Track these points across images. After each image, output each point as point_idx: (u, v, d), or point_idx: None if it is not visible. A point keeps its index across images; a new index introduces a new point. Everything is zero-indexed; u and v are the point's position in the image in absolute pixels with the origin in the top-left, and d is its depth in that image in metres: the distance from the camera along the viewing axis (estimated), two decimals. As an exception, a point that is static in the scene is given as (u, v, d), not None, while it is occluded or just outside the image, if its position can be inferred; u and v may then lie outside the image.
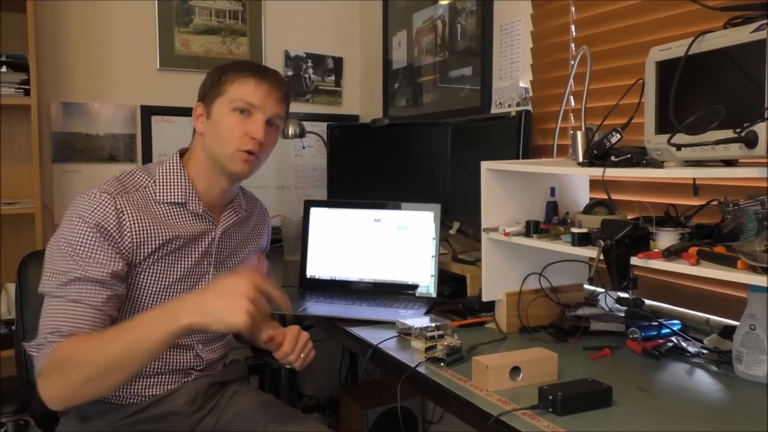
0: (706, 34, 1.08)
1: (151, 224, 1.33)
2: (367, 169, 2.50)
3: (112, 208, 1.28)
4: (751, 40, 1.00)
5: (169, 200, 1.37)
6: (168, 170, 1.40)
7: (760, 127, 0.96)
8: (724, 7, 1.14)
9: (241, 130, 1.36)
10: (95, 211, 1.27)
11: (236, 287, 1.08)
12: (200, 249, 1.41)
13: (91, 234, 1.25)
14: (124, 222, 1.29)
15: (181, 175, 1.40)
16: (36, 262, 1.56)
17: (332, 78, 3.10)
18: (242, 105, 1.36)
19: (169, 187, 1.38)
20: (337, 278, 1.90)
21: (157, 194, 1.37)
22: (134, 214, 1.31)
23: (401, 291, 1.82)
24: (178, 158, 1.42)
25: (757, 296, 1.21)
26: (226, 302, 1.07)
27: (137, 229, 1.30)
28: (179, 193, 1.38)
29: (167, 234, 1.34)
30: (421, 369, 1.27)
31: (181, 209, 1.39)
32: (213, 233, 1.44)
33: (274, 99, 1.39)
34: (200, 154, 1.42)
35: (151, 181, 1.38)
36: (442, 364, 1.27)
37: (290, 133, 2.66)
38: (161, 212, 1.36)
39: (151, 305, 1.35)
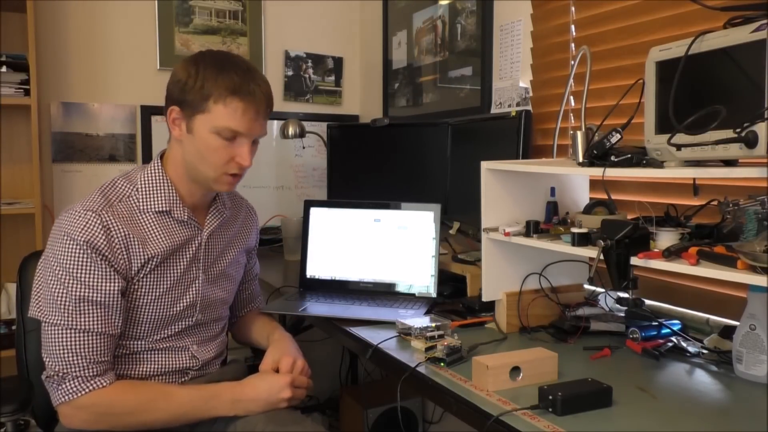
0: (706, 34, 1.08)
1: (138, 238, 1.31)
2: (367, 169, 2.50)
3: (99, 225, 1.26)
4: (751, 40, 1.00)
5: (153, 209, 1.35)
6: (150, 177, 1.37)
7: (760, 127, 0.96)
8: (724, 7, 1.14)
9: (227, 155, 1.31)
10: (84, 230, 1.25)
11: (275, 397, 1.33)
12: (188, 255, 1.40)
13: (83, 254, 1.25)
14: (113, 238, 1.28)
15: (163, 181, 1.37)
16: (37, 262, 1.55)
17: (332, 78, 3.10)
18: (227, 134, 1.29)
19: (152, 195, 1.35)
20: (337, 278, 1.90)
21: (141, 203, 1.34)
22: (122, 230, 1.29)
23: (401, 291, 1.82)
24: (160, 163, 1.39)
25: (757, 296, 1.21)
26: (267, 406, 1.34)
27: (126, 244, 1.29)
28: (163, 201, 1.36)
29: (155, 246, 1.33)
30: (421, 369, 1.26)
31: (167, 217, 1.37)
32: (199, 238, 1.42)
33: (261, 122, 1.33)
34: (180, 160, 1.37)
35: (134, 189, 1.35)
36: (442, 364, 1.27)
37: (290, 133, 2.67)
38: (147, 222, 1.34)
39: (144, 317, 1.35)
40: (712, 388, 1.19)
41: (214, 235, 1.46)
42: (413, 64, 2.75)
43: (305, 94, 3.03)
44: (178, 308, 1.39)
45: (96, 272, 1.26)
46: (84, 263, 1.25)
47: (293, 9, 2.97)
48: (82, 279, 1.25)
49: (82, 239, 1.25)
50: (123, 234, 1.29)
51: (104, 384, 1.26)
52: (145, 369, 1.37)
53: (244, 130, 1.30)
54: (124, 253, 1.29)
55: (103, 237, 1.26)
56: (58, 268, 1.26)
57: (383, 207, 1.88)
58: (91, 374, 1.25)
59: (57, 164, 2.55)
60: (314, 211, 1.94)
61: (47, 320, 1.26)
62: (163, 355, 1.39)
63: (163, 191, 1.37)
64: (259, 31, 2.90)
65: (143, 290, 1.34)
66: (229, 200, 1.54)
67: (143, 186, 1.36)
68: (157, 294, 1.36)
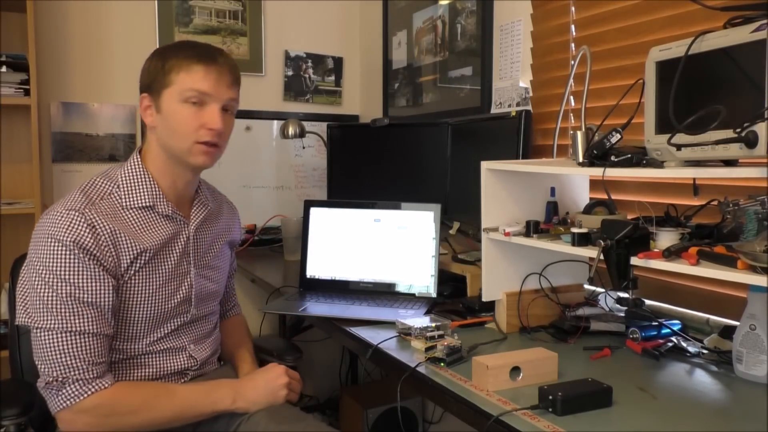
0: (706, 34, 1.08)
1: (125, 234, 1.29)
2: (367, 169, 2.50)
3: (84, 224, 1.23)
4: (751, 40, 1.00)
5: (136, 205, 1.33)
6: (130, 172, 1.35)
7: (760, 127, 0.96)
8: (724, 7, 1.14)
9: (197, 122, 1.31)
10: (69, 230, 1.22)
11: (274, 384, 1.37)
12: (177, 250, 1.39)
13: (71, 255, 1.22)
14: (100, 236, 1.25)
15: (144, 176, 1.35)
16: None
17: (332, 78, 3.10)
18: (194, 96, 1.30)
19: (134, 190, 1.33)
20: (337, 278, 1.90)
21: (123, 200, 1.32)
22: (107, 226, 1.26)
23: (401, 291, 1.82)
24: (139, 158, 1.37)
25: (757, 296, 1.21)
26: (268, 394, 1.36)
27: (114, 241, 1.27)
28: (145, 196, 1.34)
29: (142, 242, 1.31)
30: (421, 369, 1.27)
31: (151, 212, 1.35)
32: (186, 231, 1.42)
33: (226, 84, 1.33)
34: (157, 149, 1.37)
35: (115, 186, 1.33)
36: (442, 364, 1.27)
37: (290, 133, 2.66)
38: (132, 219, 1.32)
39: (139, 315, 1.34)
40: (712, 388, 1.19)
41: (201, 228, 1.46)
42: (413, 64, 2.75)
43: (305, 94, 3.03)
44: (173, 303, 1.39)
45: (85, 272, 1.23)
46: (72, 264, 1.22)
47: (293, 9, 2.97)
48: (72, 280, 1.22)
49: (69, 240, 1.21)
50: (109, 231, 1.26)
51: (106, 385, 1.24)
52: (144, 373, 1.36)
53: (208, 89, 1.30)
54: (112, 250, 1.26)
55: (90, 235, 1.23)
56: (45, 272, 1.22)
57: (383, 207, 1.88)
58: (91, 376, 1.23)
59: (57, 164, 2.55)
60: (314, 211, 1.94)
61: (39, 326, 1.22)
62: (162, 358, 1.38)
63: (144, 186, 1.35)
64: (259, 31, 2.90)
65: (136, 288, 1.32)
66: (209, 194, 1.53)
67: (124, 182, 1.34)
68: (152, 290, 1.34)
